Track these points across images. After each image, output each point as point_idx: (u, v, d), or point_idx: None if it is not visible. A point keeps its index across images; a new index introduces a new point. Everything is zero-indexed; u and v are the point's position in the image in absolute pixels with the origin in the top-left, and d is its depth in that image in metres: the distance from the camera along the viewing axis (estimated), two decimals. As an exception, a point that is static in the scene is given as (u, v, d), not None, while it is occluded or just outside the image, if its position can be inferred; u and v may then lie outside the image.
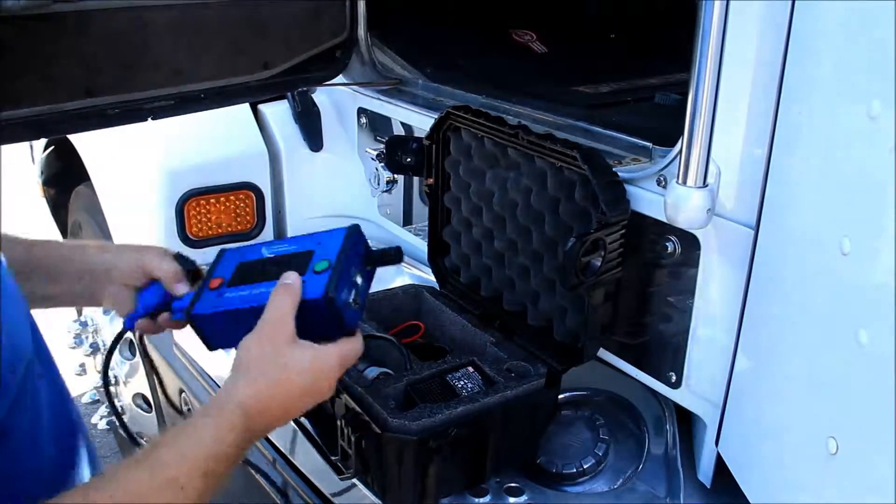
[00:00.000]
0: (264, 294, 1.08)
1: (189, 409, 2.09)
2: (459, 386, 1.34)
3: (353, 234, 1.19)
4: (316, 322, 1.08)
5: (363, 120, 2.20)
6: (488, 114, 1.50)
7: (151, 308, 1.23)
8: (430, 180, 1.66)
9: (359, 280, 1.16)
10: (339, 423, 1.32)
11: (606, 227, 1.25)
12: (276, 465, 1.71)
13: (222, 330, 1.13)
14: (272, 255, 1.21)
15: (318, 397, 1.06)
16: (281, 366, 1.02)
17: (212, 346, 1.19)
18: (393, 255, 1.24)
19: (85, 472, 1.06)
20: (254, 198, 2.22)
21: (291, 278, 1.08)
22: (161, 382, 2.30)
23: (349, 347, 1.09)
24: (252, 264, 1.21)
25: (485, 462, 1.32)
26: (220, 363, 1.86)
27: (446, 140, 1.62)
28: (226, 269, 1.22)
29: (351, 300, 1.12)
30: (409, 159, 1.66)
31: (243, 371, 1.02)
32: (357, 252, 1.18)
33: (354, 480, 1.36)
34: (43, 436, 0.97)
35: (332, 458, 1.37)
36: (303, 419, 1.48)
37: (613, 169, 1.33)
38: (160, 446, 0.92)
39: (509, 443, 1.34)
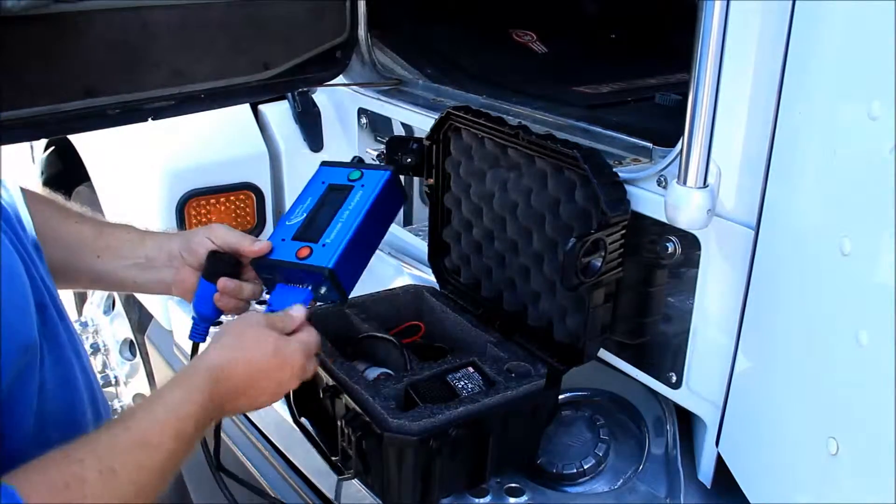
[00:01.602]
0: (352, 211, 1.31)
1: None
2: (460, 386, 1.34)
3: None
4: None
5: (363, 120, 2.20)
6: (488, 114, 1.50)
7: (212, 316, 1.32)
8: (431, 181, 1.66)
9: None
10: (339, 423, 1.32)
11: (607, 228, 1.25)
12: (276, 466, 1.71)
13: (352, 268, 1.29)
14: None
15: (282, 381, 1.14)
16: (250, 338, 1.12)
17: (348, 292, 1.31)
18: None
19: None
20: (254, 198, 2.22)
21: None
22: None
23: (307, 338, 1.19)
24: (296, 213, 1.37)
25: (485, 462, 1.32)
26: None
27: (447, 140, 1.62)
28: (279, 233, 1.34)
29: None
30: (409, 159, 1.66)
31: (215, 341, 1.12)
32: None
33: (354, 481, 1.36)
34: (47, 425, 0.98)
35: (333, 458, 1.37)
36: (303, 420, 1.48)
37: (614, 169, 1.33)
38: (135, 409, 0.99)
39: (510, 443, 1.34)
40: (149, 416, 0.98)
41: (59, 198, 1.36)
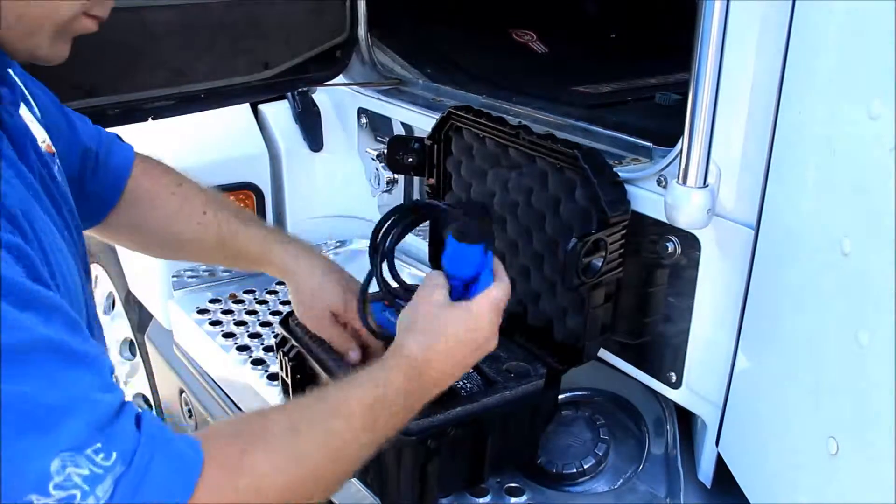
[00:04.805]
0: None
1: (189, 409, 2.09)
2: (459, 386, 1.34)
3: None
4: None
5: (363, 120, 2.20)
6: (489, 114, 1.50)
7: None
8: (432, 180, 1.66)
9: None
10: (339, 423, 1.31)
11: (607, 228, 1.26)
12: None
13: None
14: None
15: (482, 345, 1.14)
16: (441, 321, 1.12)
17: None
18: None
19: None
20: (254, 198, 2.22)
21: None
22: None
23: (496, 293, 1.16)
24: None
25: (484, 462, 1.32)
26: (220, 363, 1.86)
27: (448, 140, 1.61)
28: None
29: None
30: (410, 159, 1.66)
31: (408, 330, 1.12)
32: None
33: (354, 480, 1.36)
34: None
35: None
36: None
37: (614, 169, 1.33)
38: (330, 385, 1.04)
39: (508, 443, 1.34)
40: (342, 390, 1.00)
41: (182, 182, 1.41)
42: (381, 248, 1.25)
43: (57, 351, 0.77)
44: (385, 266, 1.27)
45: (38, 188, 0.97)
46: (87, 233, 1.33)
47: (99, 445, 0.75)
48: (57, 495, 0.72)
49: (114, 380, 0.84)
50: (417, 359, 1.08)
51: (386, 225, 1.26)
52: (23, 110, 1.04)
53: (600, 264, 1.26)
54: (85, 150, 1.29)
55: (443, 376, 1.12)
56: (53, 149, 1.09)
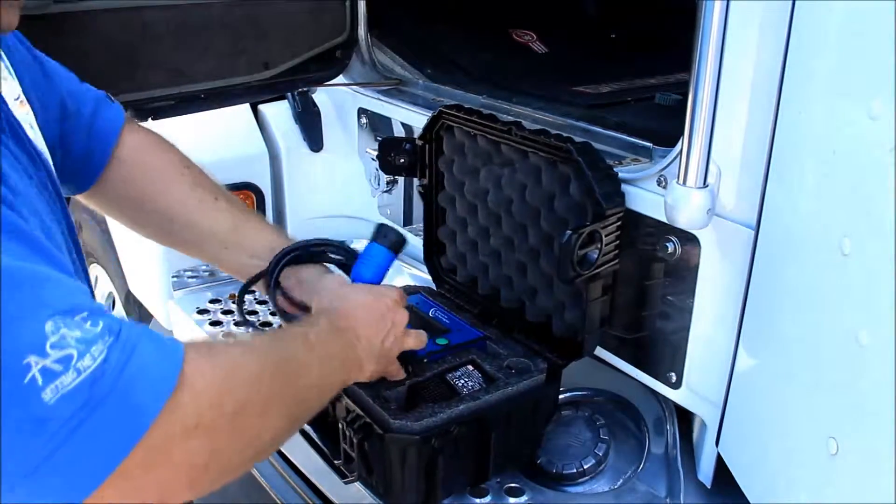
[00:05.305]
0: None
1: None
2: (460, 385, 1.34)
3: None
4: None
5: (363, 120, 2.20)
6: (480, 111, 1.50)
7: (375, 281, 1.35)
8: (424, 180, 1.65)
9: None
10: (340, 425, 1.31)
11: (602, 220, 1.26)
12: (276, 466, 1.71)
13: None
14: None
15: (393, 309, 1.23)
16: (347, 288, 1.28)
17: None
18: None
19: None
20: (254, 198, 2.22)
21: None
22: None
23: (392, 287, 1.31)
24: None
25: (488, 460, 1.32)
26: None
27: (439, 139, 1.61)
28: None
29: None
30: (402, 160, 1.65)
31: (320, 301, 1.26)
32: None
33: (357, 483, 1.36)
34: None
35: (336, 461, 1.36)
36: (305, 425, 1.48)
37: (614, 169, 1.33)
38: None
39: (512, 440, 1.34)
40: (279, 329, 1.13)
41: (189, 164, 1.40)
42: (271, 278, 1.32)
43: (27, 241, 0.78)
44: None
45: (12, 147, 0.94)
46: (78, 198, 1.33)
47: (85, 314, 0.76)
48: (54, 354, 0.72)
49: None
50: (332, 312, 1.19)
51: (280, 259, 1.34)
52: None
53: (596, 256, 1.26)
54: (63, 102, 1.24)
55: (364, 329, 1.18)
56: (27, 104, 1.07)
